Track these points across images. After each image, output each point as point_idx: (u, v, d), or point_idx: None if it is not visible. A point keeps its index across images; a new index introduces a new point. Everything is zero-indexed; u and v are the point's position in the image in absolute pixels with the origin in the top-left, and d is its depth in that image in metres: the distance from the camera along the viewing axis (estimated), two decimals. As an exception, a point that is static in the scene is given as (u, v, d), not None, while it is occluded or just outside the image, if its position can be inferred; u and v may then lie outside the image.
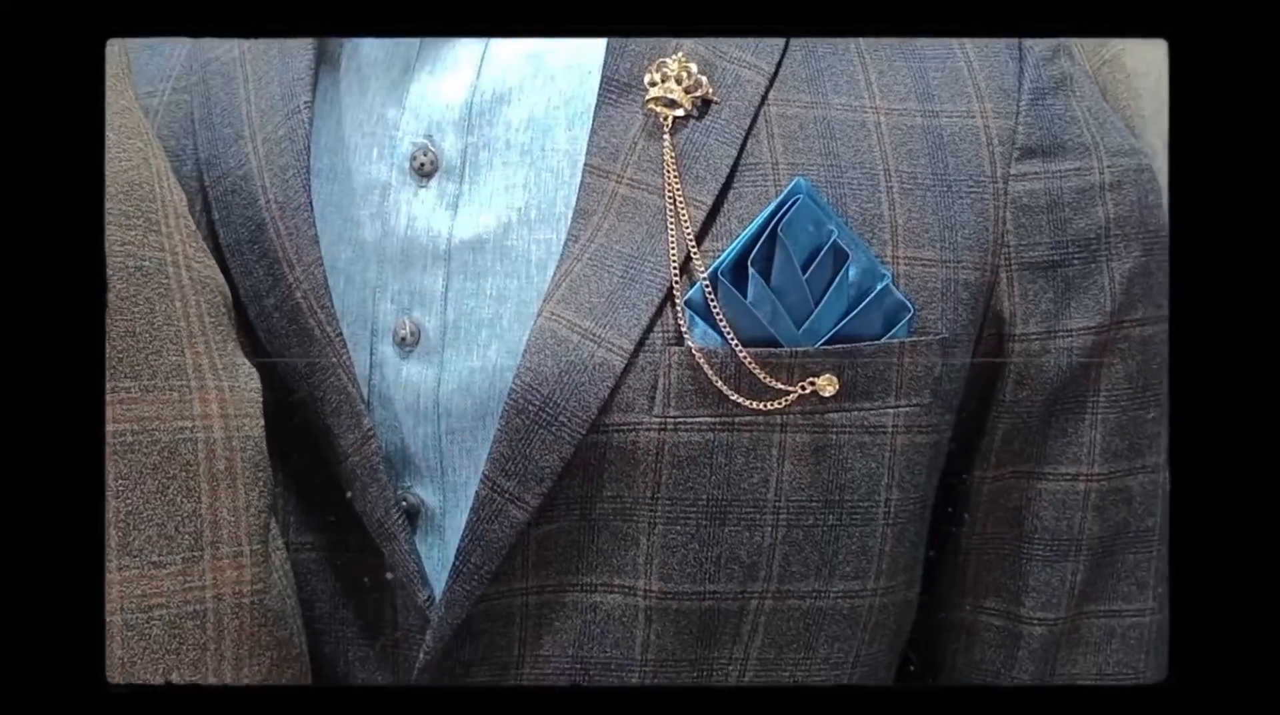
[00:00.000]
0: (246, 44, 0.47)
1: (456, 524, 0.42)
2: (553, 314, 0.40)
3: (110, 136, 0.37)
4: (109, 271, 0.36)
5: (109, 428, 0.35)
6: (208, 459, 0.37)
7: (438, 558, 0.43)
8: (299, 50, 0.45)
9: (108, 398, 0.35)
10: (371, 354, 0.43)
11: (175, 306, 0.37)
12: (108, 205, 0.36)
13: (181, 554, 0.36)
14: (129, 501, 0.35)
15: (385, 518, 0.41)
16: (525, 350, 0.40)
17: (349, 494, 0.42)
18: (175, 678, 0.36)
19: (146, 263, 0.37)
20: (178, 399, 0.37)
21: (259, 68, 0.45)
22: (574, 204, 0.42)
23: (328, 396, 0.42)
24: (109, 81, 0.39)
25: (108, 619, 0.35)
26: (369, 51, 0.45)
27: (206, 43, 0.47)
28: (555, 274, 0.41)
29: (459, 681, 0.42)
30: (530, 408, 0.39)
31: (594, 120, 0.43)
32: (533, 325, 0.40)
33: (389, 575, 0.42)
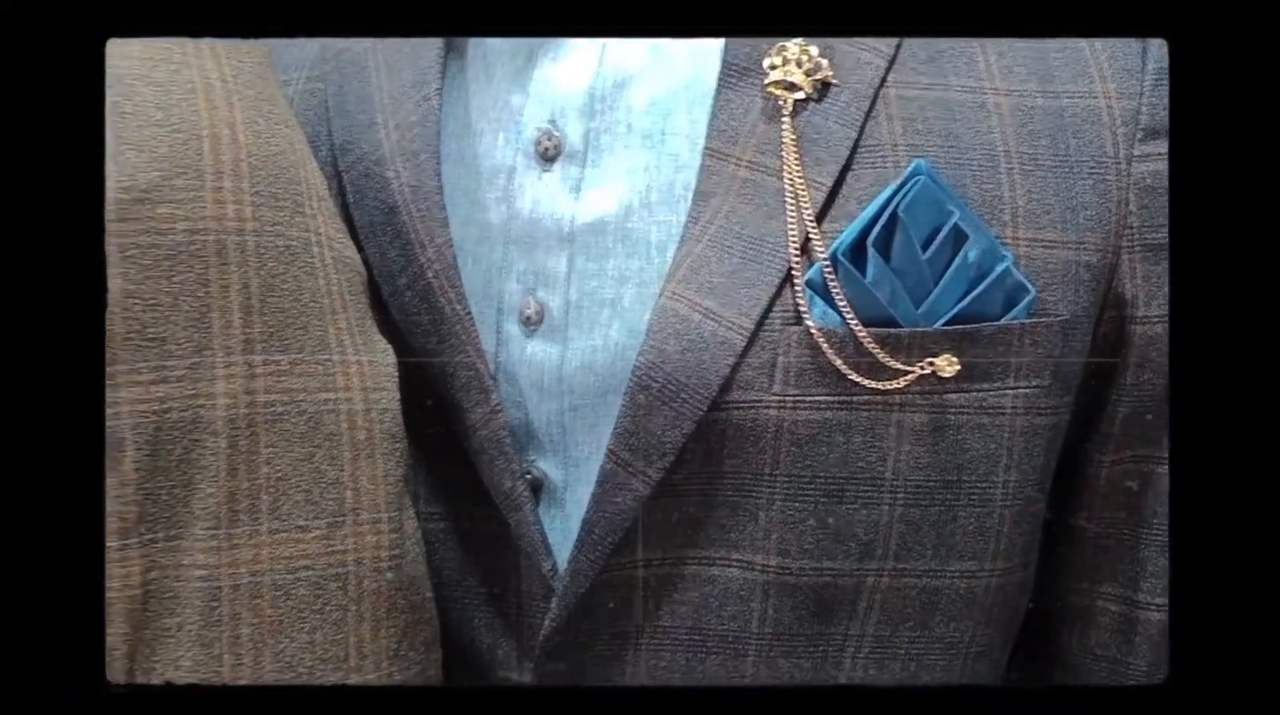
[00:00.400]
0: (377, 34, 0.48)
1: (578, 497, 0.44)
2: (674, 294, 0.41)
3: (259, 123, 0.39)
4: (261, 250, 0.38)
5: (258, 398, 0.38)
6: (349, 429, 0.39)
7: (559, 529, 0.44)
8: (429, 40, 0.46)
9: (259, 369, 0.38)
10: (498, 332, 0.45)
11: (319, 284, 0.39)
12: (259, 187, 0.38)
13: (326, 519, 0.38)
14: (278, 468, 0.38)
15: (511, 490, 0.43)
16: (648, 329, 0.41)
17: (476, 466, 0.44)
18: (320, 637, 0.38)
19: (294, 243, 0.39)
20: (322, 372, 0.39)
21: (390, 57, 0.47)
22: (694, 186, 0.43)
23: (457, 372, 0.43)
24: (257, 69, 0.41)
25: (256, 579, 0.37)
26: (493, 41, 0.47)
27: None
28: (676, 255, 0.42)
29: (581, 650, 0.43)
30: (653, 385, 0.40)
31: (714, 104, 0.43)
32: (655, 305, 0.41)
33: (514, 545, 0.44)
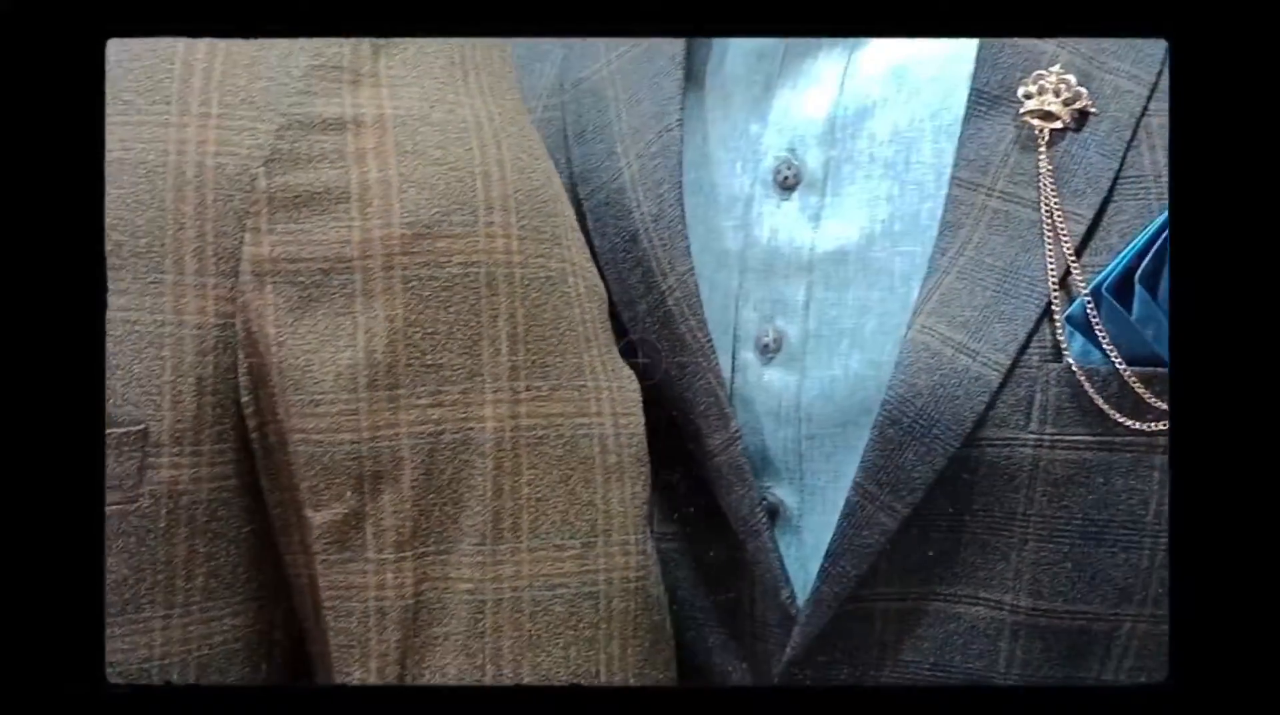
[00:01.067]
0: (615, 64, 0.50)
1: (813, 525, 0.44)
2: (924, 327, 0.41)
3: (523, 159, 0.41)
4: (526, 282, 0.39)
5: (522, 422, 0.39)
6: (601, 453, 0.40)
7: (795, 556, 0.44)
8: (669, 70, 0.47)
9: (523, 395, 0.39)
10: (734, 359, 0.45)
11: (575, 313, 0.41)
12: (524, 221, 0.40)
13: (580, 539, 0.40)
14: (538, 489, 0.39)
15: (750, 515, 0.43)
16: (898, 362, 0.41)
17: (713, 491, 0.44)
18: (574, 653, 0.39)
19: (553, 274, 0.40)
20: (578, 398, 0.40)
21: (628, 88, 0.48)
22: (940, 217, 0.42)
23: (696, 398, 0.44)
24: (516, 106, 0.42)
25: (518, 594, 0.39)
26: (732, 69, 0.48)
27: (575, 62, 0.51)
28: (925, 287, 0.42)
29: (821, 680, 0.43)
30: (904, 419, 0.40)
31: (962, 133, 0.43)
32: (904, 337, 0.41)
33: (748, 569, 0.44)
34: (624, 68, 0.49)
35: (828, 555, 0.42)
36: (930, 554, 0.42)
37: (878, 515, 0.41)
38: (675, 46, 0.48)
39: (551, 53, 0.52)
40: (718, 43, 0.48)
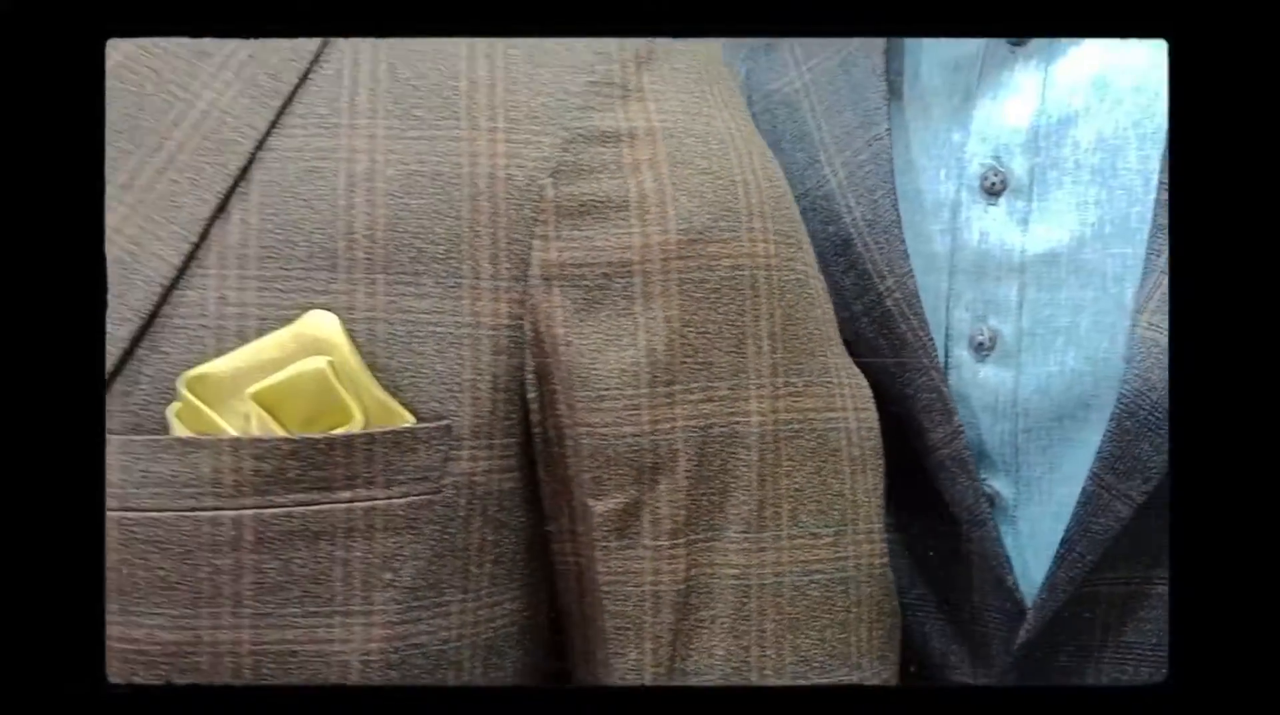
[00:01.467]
0: (807, 76, 0.52)
1: (1029, 515, 0.46)
2: (1150, 324, 0.43)
3: (769, 167, 0.43)
4: (782, 284, 0.42)
5: (781, 416, 0.41)
6: (848, 446, 0.43)
7: (1011, 545, 0.47)
8: (871, 82, 0.50)
9: (781, 390, 0.41)
10: (946, 357, 0.48)
11: (818, 313, 0.43)
12: (777, 226, 0.42)
13: (833, 528, 0.42)
14: (796, 480, 0.41)
15: (975, 505, 0.46)
16: (1129, 359, 0.43)
17: (935, 483, 0.46)
18: (830, 635, 0.42)
19: (800, 276, 0.43)
20: (826, 393, 0.42)
21: (825, 99, 0.51)
22: (1150, 219, 0.45)
23: (918, 395, 0.47)
24: (750, 119, 0.45)
25: (779, 579, 0.41)
26: (929, 81, 0.50)
27: (762, 75, 0.54)
28: (1144, 286, 0.44)
29: (1044, 661, 0.46)
30: (1140, 411, 0.42)
31: (1169, 140, 0.45)
32: (1131, 335, 0.43)
33: (964, 557, 0.47)
34: (818, 79, 0.52)
35: (1063, 542, 0.44)
36: (1157, 539, 0.44)
37: (1114, 503, 0.43)
38: (875, 59, 0.50)
39: (733, 66, 0.55)
40: (910, 55, 0.51)
